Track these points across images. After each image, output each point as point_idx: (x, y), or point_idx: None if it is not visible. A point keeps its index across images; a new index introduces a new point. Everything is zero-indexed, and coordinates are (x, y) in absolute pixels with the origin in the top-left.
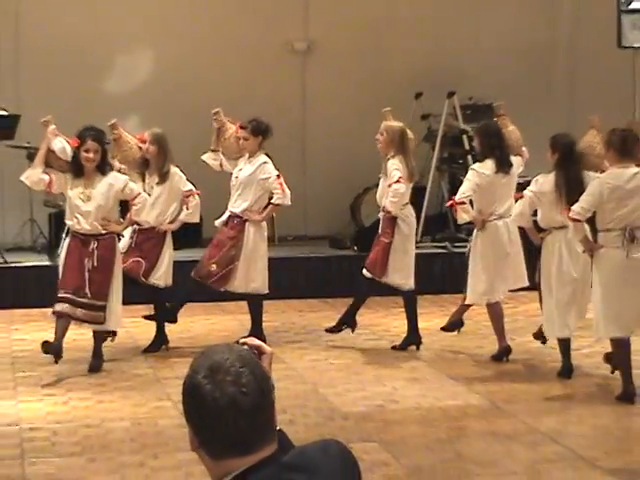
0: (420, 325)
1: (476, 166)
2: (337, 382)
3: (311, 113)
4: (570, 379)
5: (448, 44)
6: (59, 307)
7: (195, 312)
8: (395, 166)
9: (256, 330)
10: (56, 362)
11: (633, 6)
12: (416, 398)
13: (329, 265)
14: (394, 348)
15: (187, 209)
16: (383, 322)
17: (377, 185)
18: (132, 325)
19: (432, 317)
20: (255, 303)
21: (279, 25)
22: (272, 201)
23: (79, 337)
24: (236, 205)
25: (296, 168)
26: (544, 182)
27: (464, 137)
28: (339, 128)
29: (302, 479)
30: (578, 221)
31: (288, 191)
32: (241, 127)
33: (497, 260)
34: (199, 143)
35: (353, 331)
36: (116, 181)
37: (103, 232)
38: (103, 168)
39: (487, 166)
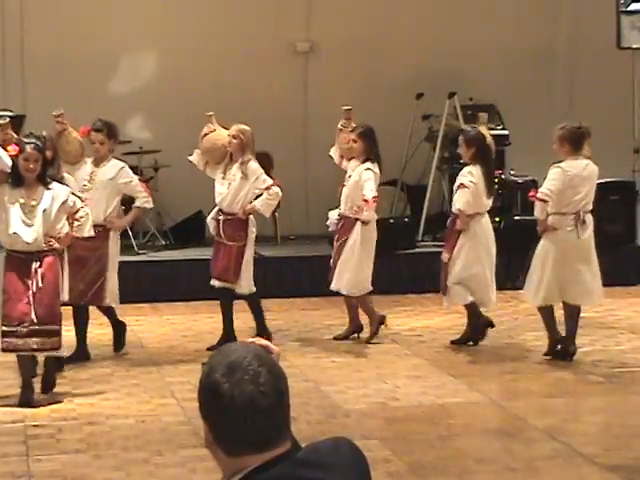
0: (421, 323)
1: (372, 166)
2: (339, 380)
3: (313, 113)
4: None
5: (449, 45)
6: (6, 343)
7: (198, 310)
8: (261, 169)
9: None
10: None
11: (632, 7)
12: (417, 396)
13: None
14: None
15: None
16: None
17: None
18: (136, 323)
19: (433, 315)
20: (114, 311)
21: (282, 26)
22: (137, 204)
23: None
24: (95, 213)
25: (298, 168)
26: (476, 173)
27: None
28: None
29: (316, 476)
30: (545, 202)
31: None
32: (96, 130)
33: (370, 254)
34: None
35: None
36: (58, 193)
37: (45, 249)
38: (44, 178)
39: (377, 167)
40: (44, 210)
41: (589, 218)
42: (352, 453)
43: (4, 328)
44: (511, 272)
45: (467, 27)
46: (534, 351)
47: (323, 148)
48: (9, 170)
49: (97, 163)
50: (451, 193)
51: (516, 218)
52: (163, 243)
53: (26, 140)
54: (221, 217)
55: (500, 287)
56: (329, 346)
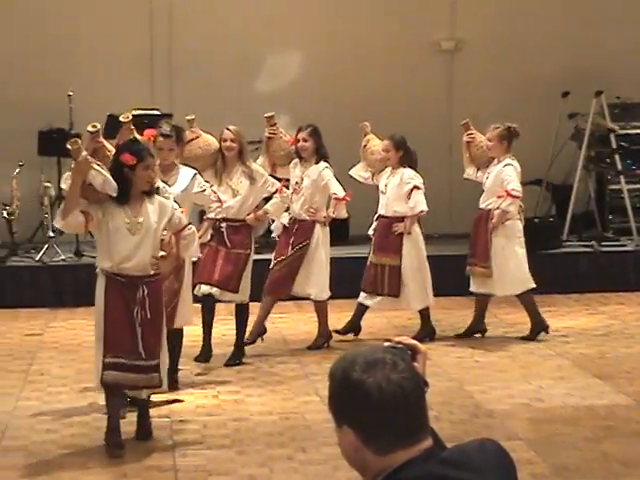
0: (566, 324)
1: (329, 166)
2: (482, 380)
3: (458, 112)
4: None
5: (595, 42)
6: (111, 376)
7: (342, 309)
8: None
9: None
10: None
11: None
12: (562, 397)
13: None
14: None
15: None
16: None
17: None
18: (280, 320)
19: (578, 316)
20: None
21: (426, 25)
22: (210, 216)
23: (228, 332)
24: None
25: (442, 167)
26: (415, 175)
27: (612, 136)
28: (486, 126)
29: (463, 476)
30: (518, 197)
31: None
32: (165, 136)
33: (328, 256)
34: (348, 141)
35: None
36: (164, 208)
37: (152, 272)
38: (149, 191)
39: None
40: (153, 228)
41: None
42: (499, 455)
43: (105, 360)
44: None
45: (614, 24)
46: None
47: None
48: (115, 194)
49: (165, 173)
50: (597, 192)
51: None
52: None
53: (144, 148)
54: (224, 225)
55: None
56: (472, 345)
